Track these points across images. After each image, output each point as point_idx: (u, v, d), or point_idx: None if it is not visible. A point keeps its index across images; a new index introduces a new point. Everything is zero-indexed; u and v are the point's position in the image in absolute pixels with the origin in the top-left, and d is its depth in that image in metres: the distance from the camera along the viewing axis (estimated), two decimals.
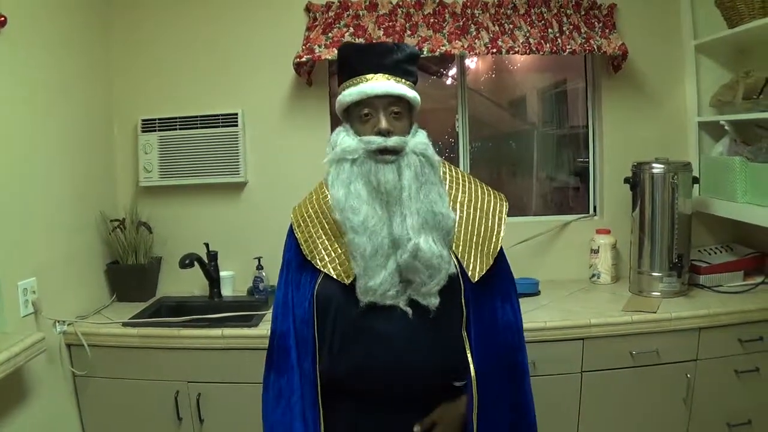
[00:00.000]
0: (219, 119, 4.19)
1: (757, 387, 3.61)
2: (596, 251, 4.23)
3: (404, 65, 2.24)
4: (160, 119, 4.20)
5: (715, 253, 4.19)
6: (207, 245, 4.13)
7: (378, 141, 2.13)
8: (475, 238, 2.27)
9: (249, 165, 4.27)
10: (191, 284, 4.26)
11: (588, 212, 4.58)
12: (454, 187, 2.35)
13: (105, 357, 3.52)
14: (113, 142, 4.27)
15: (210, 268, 4.11)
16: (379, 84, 2.17)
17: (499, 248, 2.31)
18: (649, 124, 4.35)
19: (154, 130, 4.20)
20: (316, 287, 2.24)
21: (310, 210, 2.38)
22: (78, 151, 3.80)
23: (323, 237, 2.28)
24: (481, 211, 2.33)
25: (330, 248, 2.25)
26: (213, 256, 4.14)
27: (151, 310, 3.94)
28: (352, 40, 3.95)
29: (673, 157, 4.00)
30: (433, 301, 2.11)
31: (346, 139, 2.21)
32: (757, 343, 3.56)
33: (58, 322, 3.46)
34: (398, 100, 2.19)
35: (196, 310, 3.85)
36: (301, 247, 2.33)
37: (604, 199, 4.45)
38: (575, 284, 4.21)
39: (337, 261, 2.22)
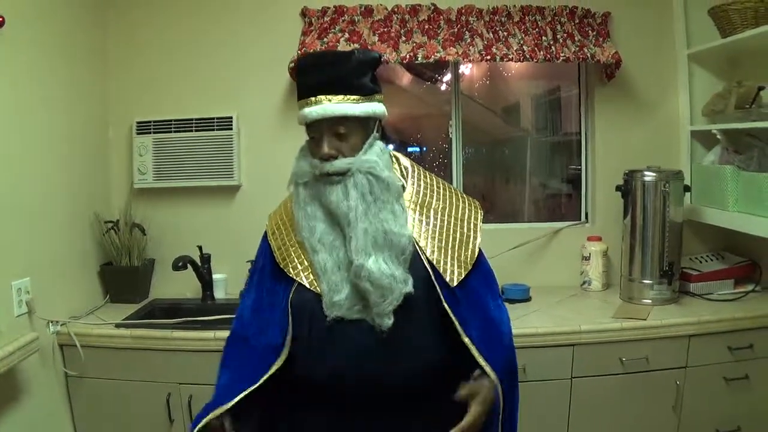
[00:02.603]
0: (214, 122, 4.20)
1: (747, 394, 3.63)
2: (587, 258, 4.26)
3: (351, 79, 2.17)
4: (155, 121, 4.21)
5: (706, 261, 4.20)
6: (200, 248, 4.14)
7: (319, 167, 2.15)
8: (450, 243, 2.26)
9: (243, 168, 4.29)
10: (184, 286, 4.27)
11: (580, 219, 4.60)
12: (428, 194, 2.34)
13: (97, 358, 3.52)
14: (108, 144, 4.28)
15: (203, 270, 4.12)
16: (317, 108, 2.12)
17: (476, 255, 2.31)
18: (642, 132, 4.38)
19: (150, 133, 4.21)
20: (291, 294, 2.23)
21: (285, 218, 2.39)
22: (73, 153, 3.81)
23: (296, 245, 2.28)
24: (455, 218, 2.32)
25: (303, 257, 2.24)
26: (206, 258, 4.15)
27: (143, 311, 3.95)
28: (347, 46, 3.97)
29: (665, 166, 4.03)
30: (387, 322, 2.08)
31: (301, 162, 2.25)
32: (747, 350, 3.58)
33: (52, 322, 3.46)
34: (342, 119, 2.14)
35: (188, 312, 3.84)
36: (275, 255, 2.34)
37: (595, 207, 4.48)
38: (566, 291, 4.23)
39: (310, 270, 2.21)
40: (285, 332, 2.22)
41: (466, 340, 2.16)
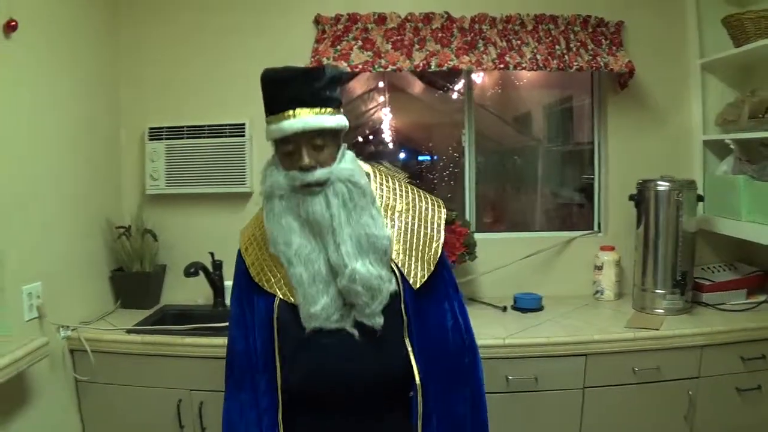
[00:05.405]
0: (226, 129, 4.20)
1: (759, 405, 3.61)
2: (600, 268, 4.24)
3: (324, 92, 2.22)
4: (167, 128, 4.22)
5: (719, 271, 4.19)
6: (212, 254, 4.14)
7: (300, 178, 2.15)
8: (414, 244, 2.32)
9: (255, 175, 4.24)
10: (195, 293, 4.27)
11: (592, 229, 4.59)
12: (391, 197, 2.38)
13: (108, 363, 3.52)
14: (120, 150, 4.29)
15: (215, 276, 4.12)
16: (297, 121, 2.15)
17: (438, 255, 2.35)
18: (655, 141, 4.37)
19: (162, 139, 4.21)
20: (276, 309, 2.28)
21: (256, 233, 2.42)
22: (85, 158, 3.82)
23: (269, 259, 2.32)
24: (420, 219, 2.37)
25: (275, 269, 2.30)
26: (218, 265, 4.14)
27: (154, 317, 3.95)
28: (361, 54, 3.97)
29: (678, 175, 4.01)
30: (378, 321, 2.16)
31: (275, 174, 2.24)
32: (759, 361, 3.57)
33: (62, 327, 3.46)
34: (320, 131, 2.17)
35: (199, 319, 3.84)
36: (249, 269, 2.37)
37: (608, 216, 4.46)
38: (578, 300, 4.21)
39: (282, 281, 2.27)
40: (267, 346, 2.31)
41: (407, 340, 2.25)
